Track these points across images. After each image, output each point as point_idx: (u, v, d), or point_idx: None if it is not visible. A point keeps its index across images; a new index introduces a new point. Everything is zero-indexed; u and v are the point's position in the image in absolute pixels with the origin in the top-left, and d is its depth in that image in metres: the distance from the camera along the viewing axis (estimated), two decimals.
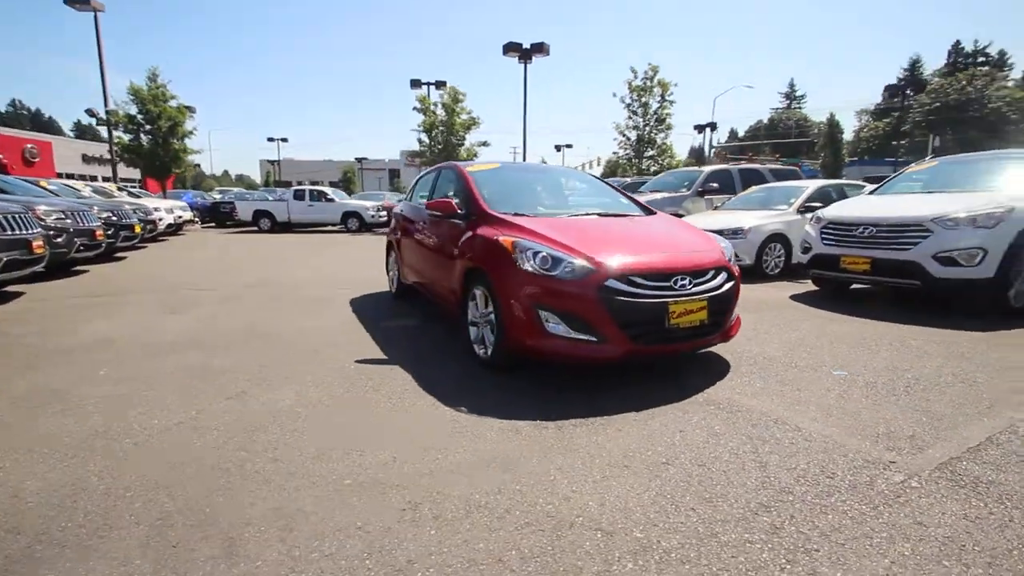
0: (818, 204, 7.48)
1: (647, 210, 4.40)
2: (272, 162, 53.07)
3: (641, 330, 3.00)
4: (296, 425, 2.66)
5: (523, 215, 3.77)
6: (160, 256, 10.81)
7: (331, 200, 17.87)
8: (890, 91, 58.31)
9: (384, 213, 18.29)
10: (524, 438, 2.51)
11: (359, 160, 53.01)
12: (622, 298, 2.95)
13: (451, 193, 4.63)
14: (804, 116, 67.84)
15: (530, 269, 3.08)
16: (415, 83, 22.62)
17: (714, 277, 3.27)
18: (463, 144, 18.42)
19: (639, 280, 3.01)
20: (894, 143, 54.26)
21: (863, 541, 1.74)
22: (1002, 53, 60.35)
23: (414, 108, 19.11)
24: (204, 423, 2.68)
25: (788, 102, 73.00)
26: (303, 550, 1.70)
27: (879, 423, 2.65)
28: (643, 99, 19.21)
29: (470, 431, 2.58)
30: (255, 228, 18.46)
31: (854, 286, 6.33)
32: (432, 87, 22.13)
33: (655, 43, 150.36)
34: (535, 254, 3.10)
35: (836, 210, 6.05)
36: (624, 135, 19.62)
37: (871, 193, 6.68)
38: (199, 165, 25.00)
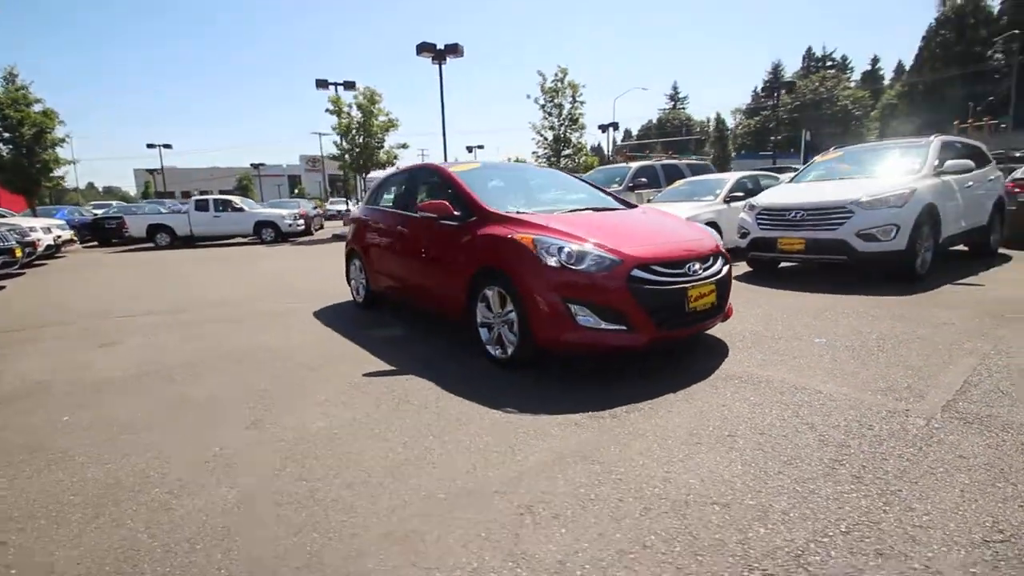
0: (740, 194, 8.26)
1: (625, 203, 4.60)
2: (152, 171, 47.65)
3: (665, 316, 3.15)
4: (344, 447, 2.48)
5: (524, 212, 3.79)
6: (52, 283, 9.32)
7: (240, 209, 16.43)
8: (768, 90, 64.87)
9: (302, 222, 17.23)
10: (588, 430, 2.54)
11: (255, 166, 49.23)
12: (649, 287, 3.08)
13: (429, 195, 4.53)
14: (688, 116, 73.95)
15: (555, 264, 3.11)
16: (321, 83, 21.46)
17: (715, 262, 3.51)
18: (382, 147, 17.81)
19: (660, 269, 3.16)
20: (768, 138, 60.70)
21: (930, 477, 1.99)
22: (844, 58, 69.99)
23: (327, 110, 18.14)
24: (238, 458, 2.41)
25: (673, 103, 79.02)
26: (446, 569, 1.61)
27: (876, 379, 3.02)
28: (555, 100, 19.86)
29: (532, 430, 2.56)
30: (150, 245, 16.49)
31: (782, 264, 7.06)
32: (340, 87, 21.18)
33: (562, 45, 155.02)
34: (559, 249, 3.14)
35: (768, 198, 6.71)
36: (541, 135, 20.19)
37: (790, 182, 7.49)
38: (63, 178, 21.67)
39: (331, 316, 5.44)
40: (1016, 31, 37.27)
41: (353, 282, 5.92)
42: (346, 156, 17.68)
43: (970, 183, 6.59)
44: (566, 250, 3.13)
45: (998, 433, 2.30)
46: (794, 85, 57.57)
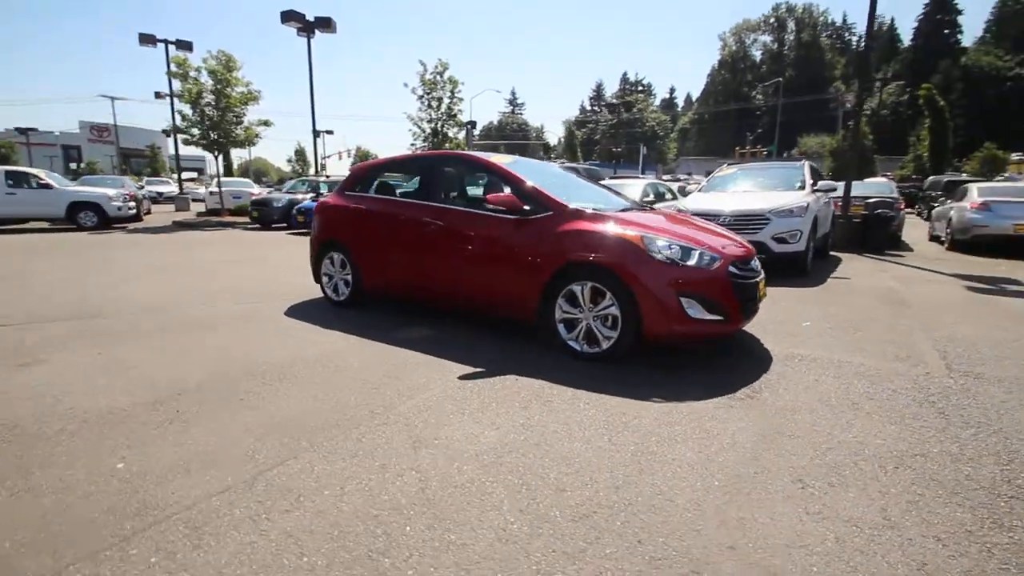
0: (651, 198, 9.36)
1: (636, 203, 4.98)
2: None
3: (747, 308, 3.59)
4: (513, 460, 2.36)
5: (600, 209, 3.90)
6: None
7: (47, 186, 12.73)
8: (613, 107, 71.71)
9: (132, 204, 14.09)
10: (746, 409, 2.82)
11: (22, 131, 37.97)
12: (740, 281, 3.48)
13: (471, 187, 4.32)
14: (525, 121, 78.78)
15: (666, 260, 3.32)
16: (146, 38, 17.75)
17: (757, 262, 4.08)
18: (240, 122, 15.36)
19: (742, 265, 3.59)
20: (593, 148, 67.47)
21: (990, 424, 2.71)
22: (648, 84, 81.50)
23: (169, 72, 14.92)
24: (401, 481, 2.14)
25: (512, 108, 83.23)
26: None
27: (883, 349, 3.88)
28: (434, 93, 19.53)
29: (703, 414, 2.75)
30: None
31: None
32: (172, 46, 17.75)
33: (428, 40, 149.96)
34: (669, 245, 3.36)
35: (695, 204, 7.75)
36: (419, 127, 19.64)
37: (700, 192, 8.74)
38: None
39: (317, 317, 4.77)
40: (776, 79, 47.57)
41: (330, 278, 5.24)
42: (194, 130, 14.89)
43: (826, 199, 8.52)
44: (677, 247, 3.36)
45: (999, 386, 3.21)
46: (631, 106, 64.96)
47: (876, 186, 13.45)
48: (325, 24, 16.86)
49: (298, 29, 16.78)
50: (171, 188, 28.62)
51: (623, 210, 4.23)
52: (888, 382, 3.23)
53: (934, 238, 11.90)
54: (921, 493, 2.05)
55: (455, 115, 20.23)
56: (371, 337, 4.16)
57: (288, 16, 16.24)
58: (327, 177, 17.96)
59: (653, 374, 3.35)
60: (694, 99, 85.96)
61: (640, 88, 77.10)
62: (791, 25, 69.35)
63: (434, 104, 19.73)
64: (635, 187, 9.64)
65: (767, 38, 71.05)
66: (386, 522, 1.86)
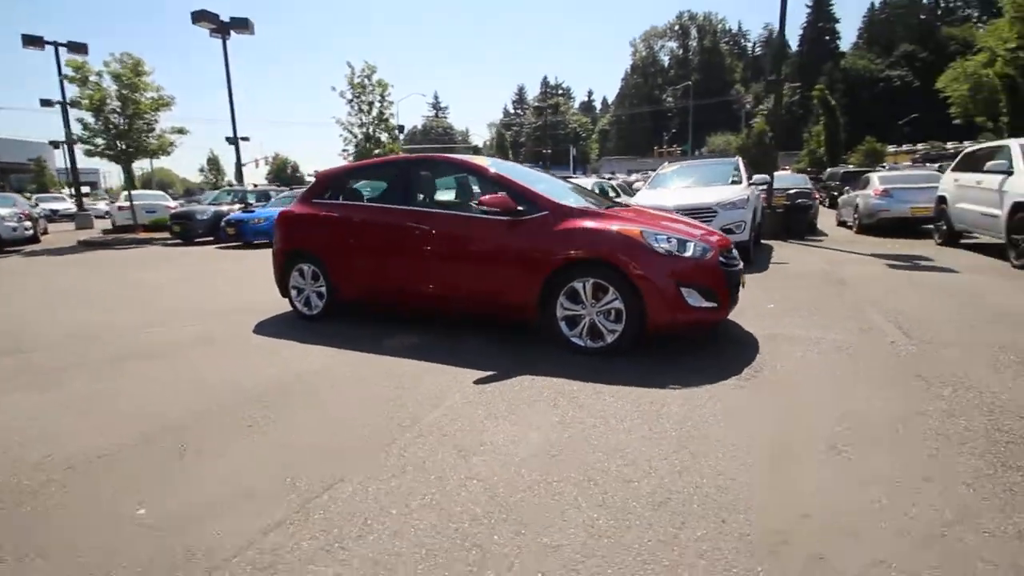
0: (597, 194, 9.68)
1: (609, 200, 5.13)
2: None
3: (734, 294, 3.81)
4: (568, 458, 2.40)
5: (582, 207, 3.98)
6: None
7: None
8: (541, 109, 72.59)
9: (28, 224, 12.50)
10: (753, 390, 3.01)
11: None
12: (728, 269, 3.69)
13: (455, 190, 4.26)
14: (450, 125, 78.57)
15: (665, 253, 3.46)
16: (31, 40, 15.76)
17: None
18: (152, 130, 13.99)
19: (727, 255, 3.81)
20: (519, 150, 68.34)
21: (961, 381, 3.08)
22: (568, 88, 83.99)
23: (63, 77, 13.26)
24: (466, 491, 2.11)
25: (436, 112, 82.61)
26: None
27: (846, 324, 4.26)
28: (364, 97, 18.98)
29: (720, 395, 2.90)
30: None
31: None
32: (64, 48, 15.92)
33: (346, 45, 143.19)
34: (667, 239, 3.50)
35: (647, 199, 8.11)
36: (350, 131, 18.97)
37: (648, 188, 9.15)
38: None
39: (290, 333, 4.49)
40: (686, 83, 50.63)
41: (300, 292, 4.95)
42: (98, 139, 13.40)
43: (758, 192, 9.21)
44: (674, 239, 3.51)
45: (952, 347, 3.64)
46: (557, 107, 66.15)
47: (792, 179, 14.70)
48: (242, 25, 15.85)
49: (211, 30, 15.65)
50: (67, 205, 25.63)
51: (608, 208, 4.36)
52: (865, 353, 3.57)
53: (842, 223, 13.21)
54: (936, 447, 2.29)
55: (386, 119, 19.81)
56: (359, 349, 3.99)
57: (200, 16, 15.10)
58: (254, 186, 16.89)
59: (656, 364, 3.47)
60: (610, 102, 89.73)
61: (560, 91, 79.37)
62: (694, 32, 74.32)
63: (364, 108, 19.22)
64: (586, 186, 9.90)
65: (673, 44, 75.70)
66: (471, 534, 1.80)
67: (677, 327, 3.59)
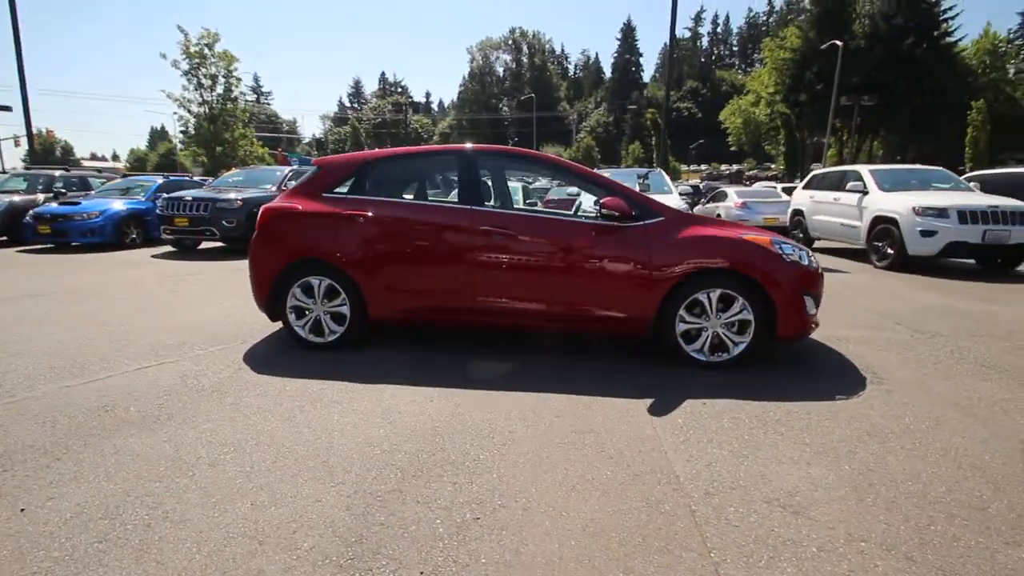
0: (532, 203, 9.57)
1: None
2: None
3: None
4: (878, 491, 2.24)
5: (694, 214, 3.78)
6: None
7: None
8: (399, 106, 68.43)
9: None
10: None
11: None
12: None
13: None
14: (275, 112, 70.57)
15: (791, 262, 3.44)
16: None
17: None
18: None
19: None
20: (357, 147, 64.66)
21: (993, 365, 3.69)
22: (405, 87, 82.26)
23: None
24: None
25: (256, 97, 73.39)
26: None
27: (860, 323, 4.80)
28: (204, 70, 15.77)
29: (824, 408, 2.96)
30: None
31: None
32: None
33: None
34: (792, 248, 3.49)
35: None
36: (187, 109, 15.50)
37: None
38: None
39: (330, 367, 3.40)
40: (530, 94, 53.49)
41: (304, 313, 3.79)
42: None
43: (681, 198, 10.05)
44: (798, 249, 3.51)
45: (950, 338, 4.33)
46: (401, 107, 63.54)
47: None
48: None
49: None
50: None
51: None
52: (909, 347, 4.03)
53: None
54: None
55: (235, 98, 16.85)
56: (452, 384, 3.19)
57: None
58: (66, 170, 12.78)
59: (768, 376, 3.39)
60: (447, 105, 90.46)
61: (399, 90, 77.22)
62: (525, 48, 79.01)
63: (206, 83, 16.04)
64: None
65: (507, 57, 79.41)
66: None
67: (799, 337, 3.61)
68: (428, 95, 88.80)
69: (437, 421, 2.70)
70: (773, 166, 47.56)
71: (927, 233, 7.57)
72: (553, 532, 1.83)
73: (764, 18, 74.14)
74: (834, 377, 3.42)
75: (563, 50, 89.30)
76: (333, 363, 3.53)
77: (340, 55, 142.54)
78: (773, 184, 22.52)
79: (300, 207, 3.82)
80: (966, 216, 7.34)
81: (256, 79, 73.05)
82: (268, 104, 71.22)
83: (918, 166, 10.20)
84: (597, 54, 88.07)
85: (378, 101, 69.27)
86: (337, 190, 3.87)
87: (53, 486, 2.09)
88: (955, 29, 36.44)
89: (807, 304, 3.48)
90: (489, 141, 67.78)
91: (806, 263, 3.54)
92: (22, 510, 1.94)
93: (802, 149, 37.29)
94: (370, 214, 3.69)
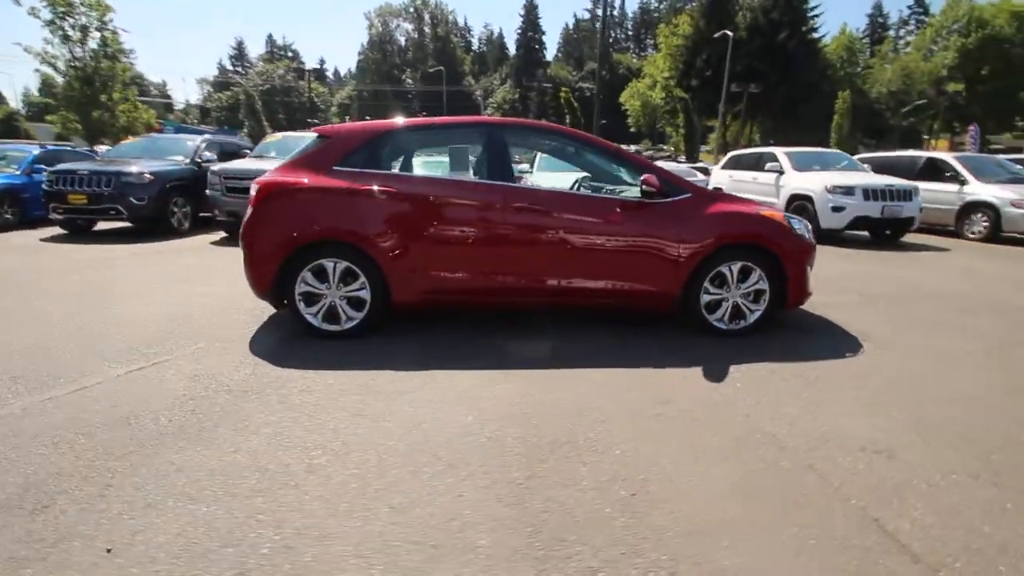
0: None
1: None
2: None
3: None
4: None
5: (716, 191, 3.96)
6: None
7: None
8: (301, 71, 61.95)
9: None
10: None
11: None
12: None
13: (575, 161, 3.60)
14: (139, 74, 61.45)
15: (798, 235, 3.76)
16: None
17: None
18: None
19: None
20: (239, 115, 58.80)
21: (950, 323, 4.38)
22: (296, 52, 75.73)
23: None
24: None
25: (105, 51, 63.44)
26: None
27: (839, 289, 5.38)
28: (71, 20, 13.28)
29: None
30: None
31: None
32: None
33: None
34: (799, 222, 3.80)
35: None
36: (53, 66, 12.93)
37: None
38: None
39: (360, 355, 3.15)
40: (439, 67, 51.90)
41: (316, 299, 3.45)
42: None
43: None
44: (803, 224, 3.83)
45: (917, 303, 5.04)
46: (303, 73, 58.42)
47: None
48: None
49: None
50: None
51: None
52: (868, 309, 4.60)
53: None
54: None
55: (113, 56, 14.49)
56: (501, 366, 3.11)
57: None
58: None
59: (778, 340, 3.70)
60: (343, 74, 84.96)
61: (289, 54, 70.85)
62: (427, 18, 76.10)
63: (74, 36, 13.59)
64: None
65: (409, 26, 76.02)
66: None
67: (801, 304, 3.95)
68: (323, 62, 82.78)
69: (517, 404, 2.63)
70: (665, 147, 50.86)
71: (837, 209, 8.60)
72: (711, 499, 1.90)
73: (657, 5, 77.93)
74: (828, 336, 3.82)
75: (466, 23, 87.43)
76: (353, 351, 3.27)
77: (217, 9, 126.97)
78: (678, 161, 24.13)
79: (309, 182, 3.43)
80: (869, 193, 8.45)
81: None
82: (131, 64, 62.00)
83: (822, 149, 11.53)
84: (501, 29, 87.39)
85: (265, 65, 63.08)
86: (356, 163, 3.52)
87: (126, 518, 1.75)
88: (820, 27, 41.09)
89: (808, 274, 3.84)
90: (393, 114, 65.03)
91: (808, 237, 3.89)
92: (108, 550, 1.60)
93: (700, 132, 40.33)
94: (395, 189, 3.42)
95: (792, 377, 3.02)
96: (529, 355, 3.32)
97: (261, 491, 1.89)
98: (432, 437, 2.29)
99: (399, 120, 3.69)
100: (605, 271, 3.62)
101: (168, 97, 56.86)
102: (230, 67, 65.67)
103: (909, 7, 64.65)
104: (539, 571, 1.54)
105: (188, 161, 9.12)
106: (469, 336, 3.64)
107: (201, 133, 14.21)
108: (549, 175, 7.99)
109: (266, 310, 4.02)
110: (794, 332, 3.92)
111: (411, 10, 74.36)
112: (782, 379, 2.99)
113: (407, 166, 3.66)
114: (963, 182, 9.56)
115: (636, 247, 3.58)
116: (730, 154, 12.76)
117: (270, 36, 70.70)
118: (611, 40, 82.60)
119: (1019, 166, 10.47)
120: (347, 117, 70.95)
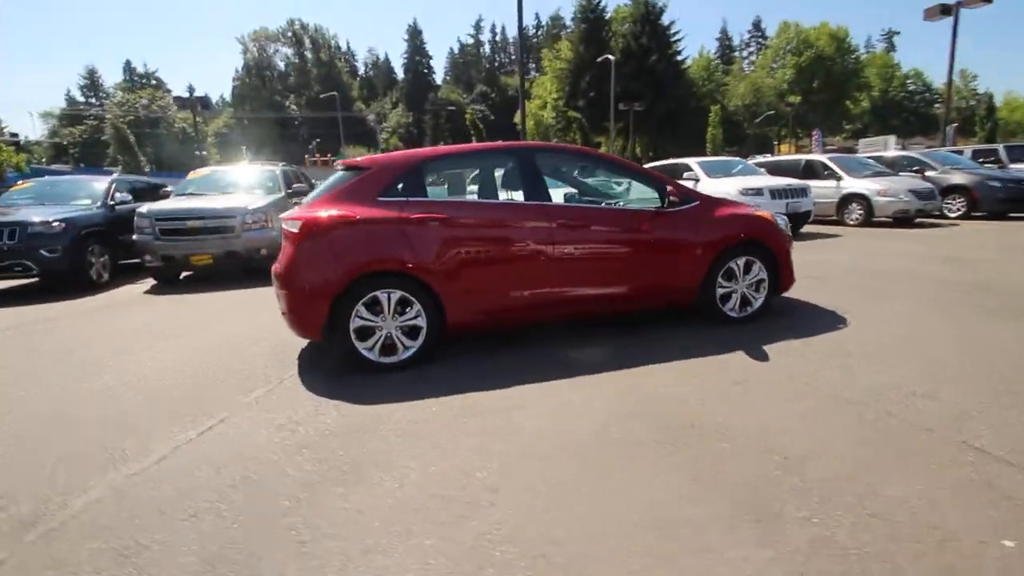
0: None
1: None
2: None
3: None
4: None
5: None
6: None
7: None
8: (200, 101, 55.19)
9: None
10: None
11: None
12: None
13: (587, 179, 3.89)
14: None
15: (783, 228, 4.39)
16: None
17: None
18: None
19: None
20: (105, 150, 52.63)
21: (908, 291, 5.31)
22: (160, 79, 69.29)
23: None
24: None
25: None
26: None
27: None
28: None
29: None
30: None
31: None
32: None
33: None
34: (782, 219, 4.42)
35: None
36: None
37: None
38: None
39: (450, 383, 3.15)
40: (331, 92, 50.26)
41: (372, 332, 3.38)
42: None
43: None
44: (782, 219, 4.46)
45: (830, 280, 5.97)
46: (191, 102, 53.07)
47: None
48: None
49: None
50: None
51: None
52: (830, 289, 5.43)
53: None
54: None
55: None
56: (571, 375, 3.29)
57: None
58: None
59: (786, 321, 4.33)
60: (215, 102, 79.04)
61: (152, 82, 64.43)
62: (308, 42, 73.52)
63: None
64: None
65: (288, 51, 72.83)
66: None
67: (788, 289, 4.57)
68: (192, 89, 76.01)
69: (626, 407, 2.79)
70: None
71: None
72: (843, 450, 2.25)
73: (534, 31, 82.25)
74: (814, 314, 4.46)
75: (349, 47, 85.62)
76: (413, 382, 3.24)
77: (58, 39, 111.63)
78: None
79: (358, 215, 3.37)
80: (775, 193, 9.78)
81: None
82: None
83: (724, 157, 13.04)
84: (387, 54, 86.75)
85: (125, 95, 56.80)
86: (399, 192, 3.52)
87: (352, 568, 1.70)
88: (682, 50, 46.15)
89: (792, 263, 4.48)
90: (274, 142, 61.62)
91: (788, 231, 4.55)
92: None
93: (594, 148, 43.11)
94: (445, 215, 3.49)
95: (826, 351, 3.51)
96: (590, 360, 3.53)
97: (465, 515, 1.92)
98: (572, 439, 2.42)
99: (437, 148, 3.76)
100: (645, 273, 3.98)
101: (15, 135, 48.85)
102: (81, 98, 58.20)
103: (748, 31, 74.87)
104: (762, 535, 1.76)
105: (99, 205, 8.15)
106: (523, 352, 3.76)
107: (58, 174, 12.55)
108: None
109: (276, 351, 3.94)
110: (787, 315, 4.53)
111: (289, 34, 71.46)
112: (815, 353, 3.49)
113: (449, 191, 3.74)
114: (839, 178, 11.39)
115: (667, 249, 3.98)
116: (652, 166, 13.97)
117: (128, 63, 63.87)
118: (497, 65, 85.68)
119: (874, 162, 12.68)
120: (243, 148, 66.02)
